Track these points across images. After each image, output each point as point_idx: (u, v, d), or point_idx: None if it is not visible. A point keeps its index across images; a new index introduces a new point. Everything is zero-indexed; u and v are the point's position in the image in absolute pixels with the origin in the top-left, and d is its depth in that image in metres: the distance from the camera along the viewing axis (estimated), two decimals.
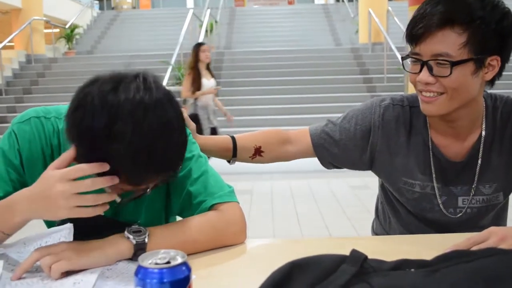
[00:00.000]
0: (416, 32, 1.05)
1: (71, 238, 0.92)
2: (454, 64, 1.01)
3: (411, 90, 5.83)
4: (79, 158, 0.82)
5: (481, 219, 1.22)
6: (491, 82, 1.10)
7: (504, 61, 1.07)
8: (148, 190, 0.90)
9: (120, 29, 12.97)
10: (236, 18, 13.28)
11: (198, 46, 5.28)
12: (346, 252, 0.69)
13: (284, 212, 4.18)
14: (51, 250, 0.83)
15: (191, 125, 1.13)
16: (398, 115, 1.21)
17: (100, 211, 0.84)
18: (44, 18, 11.20)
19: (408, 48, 1.15)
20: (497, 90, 1.11)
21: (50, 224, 1.07)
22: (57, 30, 12.05)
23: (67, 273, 0.82)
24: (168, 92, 0.85)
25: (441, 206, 1.19)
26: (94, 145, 0.79)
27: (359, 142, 1.23)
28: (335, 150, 1.25)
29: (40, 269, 0.83)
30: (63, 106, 1.04)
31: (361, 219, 3.81)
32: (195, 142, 1.10)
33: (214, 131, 5.17)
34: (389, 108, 1.21)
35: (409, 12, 5.51)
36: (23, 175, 1.00)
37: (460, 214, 1.19)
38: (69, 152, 0.84)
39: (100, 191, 0.83)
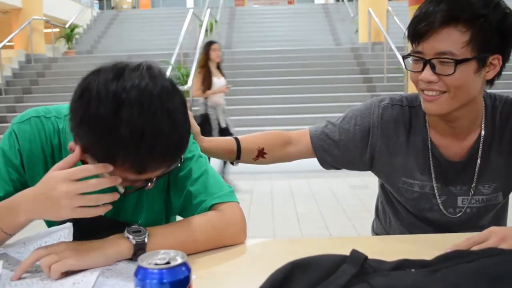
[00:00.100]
0: (419, 30, 1.04)
1: (71, 238, 0.92)
2: (458, 62, 1.01)
3: (411, 89, 5.83)
4: (84, 148, 0.83)
5: (481, 219, 1.22)
6: (490, 82, 1.10)
7: (504, 60, 1.07)
8: (151, 183, 0.90)
9: (120, 29, 12.96)
10: (236, 17, 13.27)
11: (209, 44, 5.15)
12: (346, 252, 0.69)
13: (284, 212, 4.18)
14: (51, 250, 0.83)
15: (195, 128, 1.14)
16: (397, 115, 1.20)
17: (103, 211, 0.84)
18: (44, 18, 11.21)
19: (408, 48, 1.14)
20: (497, 90, 1.11)
21: (50, 223, 1.07)
22: (57, 29, 12.05)
23: (67, 273, 0.82)
24: (172, 80, 0.86)
25: (440, 206, 1.19)
26: (99, 130, 0.79)
27: (358, 143, 1.23)
28: (335, 151, 1.25)
29: (40, 269, 0.83)
30: (63, 106, 1.04)
31: (361, 218, 3.81)
32: (195, 142, 1.10)
33: (225, 131, 4.96)
34: (388, 108, 1.21)
35: (409, 11, 5.50)
36: (24, 175, 1.00)
37: (460, 214, 1.19)
38: (73, 155, 0.84)
39: (103, 191, 0.83)
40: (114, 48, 11.27)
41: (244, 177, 4.74)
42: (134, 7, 18.66)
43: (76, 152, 0.84)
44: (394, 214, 1.31)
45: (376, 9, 9.43)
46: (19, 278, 0.82)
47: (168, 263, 0.60)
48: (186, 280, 0.60)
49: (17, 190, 0.93)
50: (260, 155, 1.27)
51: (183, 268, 0.61)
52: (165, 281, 0.59)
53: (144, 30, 12.51)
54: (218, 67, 5.17)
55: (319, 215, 4.05)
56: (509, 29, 1.04)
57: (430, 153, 1.18)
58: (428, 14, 1.03)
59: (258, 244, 1.03)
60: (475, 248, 0.86)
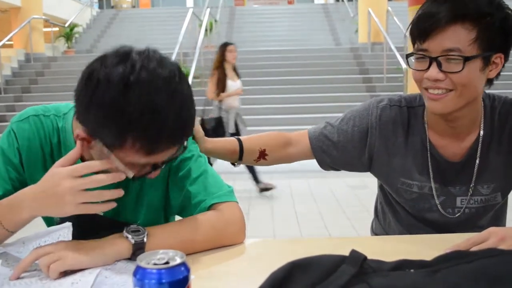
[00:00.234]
0: (424, 28, 1.04)
1: (70, 237, 0.92)
2: (466, 59, 1.01)
3: (410, 90, 5.83)
4: (93, 133, 0.83)
5: (480, 219, 1.22)
6: (489, 82, 1.10)
7: (505, 59, 1.08)
8: (158, 168, 0.90)
9: (120, 28, 12.96)
10: (235, 17, 13.27)
11: (224, 46, 4.98)
12: (346, 252, 0.69)
13: (284, 212, 4.18)
14: (50, 250, 0.83)
15: (199, 132, 1.13)
16: (396, 116, 1.20)
17: (106, 208, 0.84)
18: (44, 17, 11.20)
19: (408, 48, 1.14)
20: (496, 90, 1.11)
21: (49, 223, 1.07)
22: (57, 29, 12.05)
23: (66, 273, 0.82)
24: (177, 63, 0.88)
25: (439, 206, 1.19)
26: (108, 111, 0.79)
27: (357, 144, 1.23)
28: (334, 152, 1.25)
29: (39, 268, 0.83)
30: (62, 104, 1.04)
31: (360, 219, 3.81)
32: (194, 143, 1.10)
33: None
34: (386, 109, 1.21)
35: (409, 12, 5.49)
36: (23, 174, 1.00)
37: (459, 214, 1.19)
38: (74, 151, 0.85)
39: (107, 187, 0.83)
40: (113, 47, 11.25)
41: (243, 177, 4.74)
42: (133, 7, 18.67)
43: (77, 148, 0.85)
44: (393, 215, 1.31)
45: (376, 9, 9.43)
46: (18, 278, 0.82)
47: (167, 263, 0.60)
48: (185, 280, 0.60)
49: (16, 189, 0.93)
50: (262, 157, 1.27)
51: (182, 268, 0.60)
52: (164, 281, 0.58)
53: (143, 30, 12.50)
54: (234, 69, 5.00)
55: (318, 215, 4.05)
56: (511, 29, 1.04)
57: (429, 154, 1.18)
58: (434, 12, 1.03)
59: (257, 244, 1.03)
60: (474, 248, 0.86)
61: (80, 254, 0.83)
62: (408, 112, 1.21)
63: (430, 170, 1.18)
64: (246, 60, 9.50)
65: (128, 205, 1.04)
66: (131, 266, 0.85)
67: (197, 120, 0.95)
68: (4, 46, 9.17)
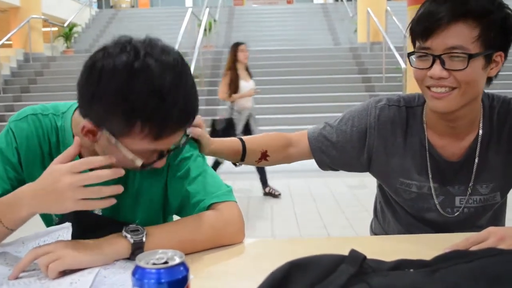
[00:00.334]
0: (427, 27, 1.04)
1: (69, 237, 0.91)
2: (471, 56, 1.01)
3: (409, 89, 5.82)
4: (99, 123, 0.84)
5: (479, 219, 1.22)
6: (489, 80, 1.11)
7: (505, 58, 1.08)
8: (164, 156, 0.92)
9: (119, 28, 12.93)
10: (235, 17, 13.27)
11: (236, 45, 4.90)
12: (345, 252, 0.69)
13: (283, 212, 4.18)
14: (48, 249, 0.83)
15: (204, 137, 1.12)
16: (394, 116, 1.20)
17: (106, 204, 0.85)
18: (43, 17, 11.19)
19: (407, 48, 1.14)
20: (495, 90, 1.11)
21: (48, 223, 1.06)
22: (56, 28, 12.04)
23: (65, 273, 0.82)
24: (179, 52, 0.90)
25: (438, 206, 1.19)
26: (116, 98, 0.80)
27: (356, 144, 1.23)
28: (333, 152, 1.25)
29: (38, 268, 0.82)
30: (61, 103, 1.04)
31: (359, 218, 3.81)
32: (193, 142, 1.10)
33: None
34: (384, 109, 1.21)
35: (408, 11, 5.49)
36: (21, 173, 1.00)
37: (457, 213, 1.19)
38: (72, 148, 0.85)
39: (107, 183, 0.83)
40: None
41: (242, 177, 4.74)
42: (133, 6, 18.65)
43: (75, 144, 0.85)
44: (392, 214, 1.31)
45: (375, 9, 9.43)
46: (17, 277, 0.82)
47: (166, 262, 0.60)
48: (184, 280, 0.60)
49: (14, 188, 0.92)
50: (263, 158, 1.27)
51: (181, 268, 0.60)
52: (163, 280, 0.58)
53: (142, 29, 12.44)
54: (247, 69, 4.92)
55: (317, 215, 4.06)
56: (511, 28, 1.05)
57: (428, 154, 1.18)
58: (436, 11, 1.03)
59: (256, 244, 1.03)
60: (474, 248, 0.86)
61: (79, 254, 0.83)
62: (407, 112, 1.21)
63: (429, 170, 1.18)
64: None
65: (127, 204, 1.04)
66: (130, 266, 0.85)
67: (203, 120, 0.95)
68: (3, 46, 9.16)
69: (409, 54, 1.12)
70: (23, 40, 10.54)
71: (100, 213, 1.03)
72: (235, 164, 1.29)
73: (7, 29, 10.83)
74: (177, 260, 0.60)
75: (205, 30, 9.46)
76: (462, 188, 1.18)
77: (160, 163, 0.92)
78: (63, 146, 1.00)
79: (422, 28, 1.05)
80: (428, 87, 1.08)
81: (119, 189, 0.84)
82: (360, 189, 4.73)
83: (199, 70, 7.98)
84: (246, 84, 4.80)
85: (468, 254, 0.70)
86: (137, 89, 0.80)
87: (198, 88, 0.96)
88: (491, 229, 0.90)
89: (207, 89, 8.15)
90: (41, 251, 0.83)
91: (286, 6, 16.29)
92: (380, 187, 1.35)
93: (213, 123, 4.68)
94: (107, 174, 0.82)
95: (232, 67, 4.82)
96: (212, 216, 0.98)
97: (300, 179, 5.16)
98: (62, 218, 1.01)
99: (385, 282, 0.64)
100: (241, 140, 1.25)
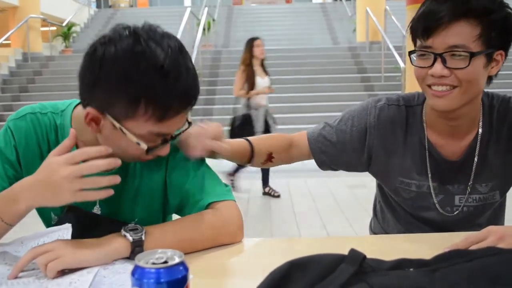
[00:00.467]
0: (428, 25, 1.04)
1: (69, 238, 0.91)
2: (473, 55, 1.02)
3: (408, 89, 5.83)
4: (102, 108, 0.86)
5: (478, 218, 1.22)
6: (489, 79, 1.11)
7: (505, 57, 1.08)
8: (168, 142, 0.93)
9: None
10: (233, 16, 13.26)
11: (251, 41, 4.81)
12: (345, 251, 0.69)
13: (282, 211, 4.18)
14: (47, 248, 0.83)
15: (221, 137, 1.11)
16: (394, 115, 1.20)
17: (104, 195, 0.85)
18: (41, 16, 11.17)
19: (406, 47, 1.14)
20: (495, 89, 1.11)
21: (47, 222, 1.06)
22: (54, 28, 12.02)
23: (64, 272, 0.82)
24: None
25: (437, 205, 1.19)
26: (119, 81, 0.82)
27: (355, 144, 1.23)
28: (333, 152, 1.25)
29: (37, 267, 0.82)
30: (60, 102, 1.04)
31: (359, 218, 3.81)
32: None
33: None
34: (384, 108, 1.21)
35: (407, 11, 5.49)
36: (20, 171, 1.00)
37: (457, 212, 1.19)
38: (68, 139, 0.85)
39: (104, 174, 0.83)
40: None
41: (242, 176, 4.74)
42: (131, 6, 18.65)
43: (71, 136, 0.86)
44: (392, 214, 1.31)
45: (374, 8, 9.43)
46: (16, 277, 0.82)
47: (165, 262, 0.60)
48: (184, 279, 0.60)
49: None
50: (269, 160, 1.27)
51: (181, 268, 0.60)
52: (162, 280, 0.58)
53: None
54: (262, 65, 4.86)
55: (317, 214, 4.06)
56: (511, 27, 1.05)
57: (427, 153, 1.18)
58: (437, 10, 1.03)
59: (256, 243, 1.03)
60: (473, 247, 0.86)
61: (78, 253, 0.83)
62: (407, 111, 1.21)
63: (429, 169, 1.18)
64: None
65: (126, 203, 1.04)
66: (130, 266, 0.85)
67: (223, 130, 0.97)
68: (1, 45, 9.16)
69: (410, 53, 1.12)
70: (22, 40, 10.52)
71: (99, 213, 1.03)
72: (241, 166, 1.28)
73: (6, 28, 10.81)
74: (177, 260, 0.60)
75: (203, 29, 9.45)
76: (462, 187, 1.18)
77: (164, 150, 0.94)
78: None
79: (423, 27, 1.05)
80: (429, 86, 1.08)
81: (116, 179, 0.84)
82: (359, 188, 4.73)
83: (198, 69, 7.97)
84: (261, 81, 4.73)
85: (468, 253, 0.70)
86: (140, 70, 0.82)
87: None
88: (490, 228, 0.90)
89: (205, 88, 8.15)
90: (40, 250, 0.82)
91: (285, 6, 16.28)
92: (379, 186, 1.35)
93: (233, 121, 4.61)
94: (103, 163, 0.82)
95: (249, 63, 4.74)
96: (211, 215, 0.98)
97: (299, 178, 5.16)
98: (61, 217, 1.01)
99: (385, 282, 0.64)
100: (249, 141, 1.24)
